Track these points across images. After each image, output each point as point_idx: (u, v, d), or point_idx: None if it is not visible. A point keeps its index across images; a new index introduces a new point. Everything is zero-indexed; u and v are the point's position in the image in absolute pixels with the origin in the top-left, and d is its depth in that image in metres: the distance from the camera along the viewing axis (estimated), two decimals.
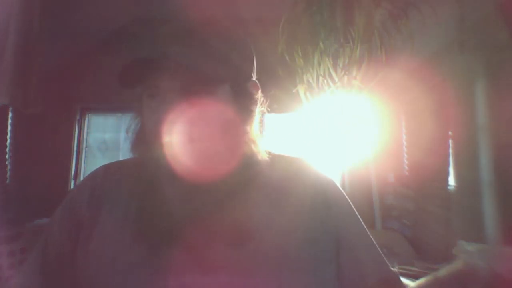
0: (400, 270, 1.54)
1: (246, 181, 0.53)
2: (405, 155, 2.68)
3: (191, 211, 0.51)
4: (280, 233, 0.51)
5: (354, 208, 0.62)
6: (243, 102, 0.55)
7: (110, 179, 0.59)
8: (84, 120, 3.02)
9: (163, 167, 0.50)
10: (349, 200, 0.62)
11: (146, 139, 0.53)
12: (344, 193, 0.63)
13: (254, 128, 0.58)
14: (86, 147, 3.00)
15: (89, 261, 0.49)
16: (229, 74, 0.53)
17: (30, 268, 0.55)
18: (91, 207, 0.54)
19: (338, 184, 0.63)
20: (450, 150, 1.86)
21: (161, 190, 0.53)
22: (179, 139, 0.49)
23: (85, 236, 0.52)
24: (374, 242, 0.60)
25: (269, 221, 0.51)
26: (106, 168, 0.62)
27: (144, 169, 0.55)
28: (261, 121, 0.63)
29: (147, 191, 0.53)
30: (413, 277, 1.43)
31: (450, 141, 1.87)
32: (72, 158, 2.89)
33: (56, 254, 0.54)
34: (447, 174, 1.87)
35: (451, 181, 1.83)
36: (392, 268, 0.60)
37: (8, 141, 2.51)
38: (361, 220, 0.62)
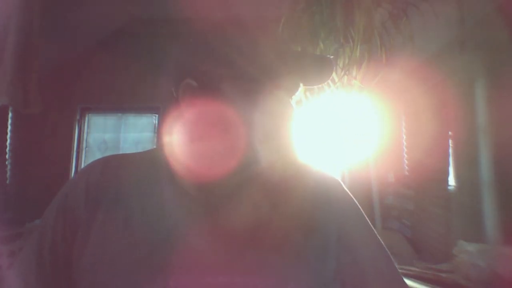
0: (400, 270, 1.54)
1: (246, 181, 0.52)
2: (405, 155, 2.68)
3: (191, 211, 0.51)
4: (279, 233, 0.51)
5: (359, 209, 0.61)
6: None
7: (109, 175, 0.54)
8: (84, 120, 3.02)
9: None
10: (354, 200, 0.61)
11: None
12: (348, 192, 0.61)
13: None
14: (86, 147, 3.00)
15: (87, 262, 0.48)
16: None
17: (24, 270, 0.52)
18: (88, 207, 0.51)
19: (343, 184, 0.61)
20: (450, 150, 1.86)
21: (161, 190, 0.52)
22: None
23: (82, 237, 0.50)
24: (378, 243, 0.59)
25: (268, 221, 0.51)
26: (105, 163, 0.57)
27: (157, 167, 0.53)
28: None
29: (148, 191, 0.52)
30: (413, 277, 1.42)
31: (450, 141, 1.87)
32: (72, 158, 2.89)
33: (51, 255, 0.52)
34: (447, 174, 1.87)
35: (451, 181, 1.83)
36: (397, 274, 0.59)
37: (8, 141, 2.51)
38: (366, 220, 0.61)
